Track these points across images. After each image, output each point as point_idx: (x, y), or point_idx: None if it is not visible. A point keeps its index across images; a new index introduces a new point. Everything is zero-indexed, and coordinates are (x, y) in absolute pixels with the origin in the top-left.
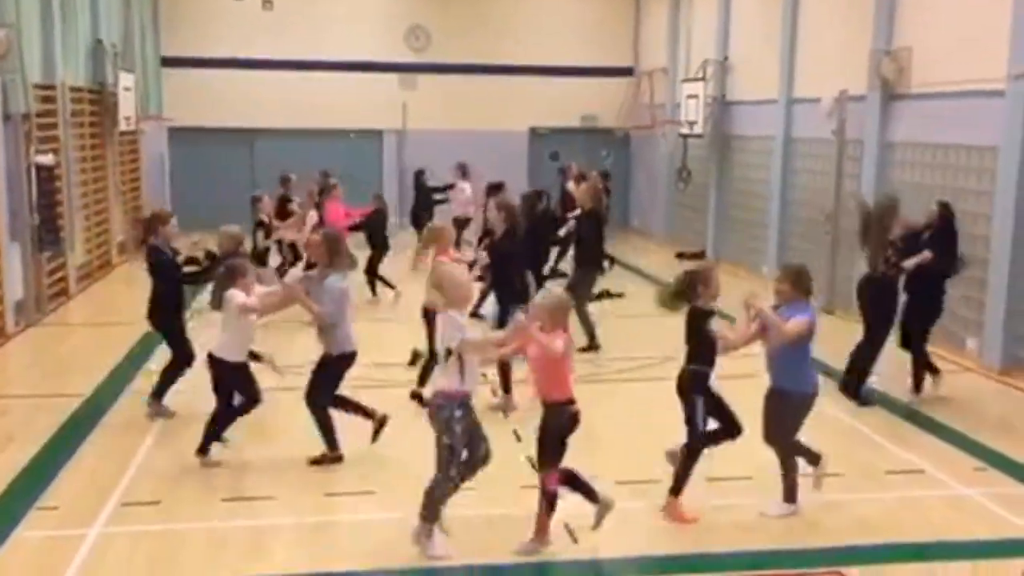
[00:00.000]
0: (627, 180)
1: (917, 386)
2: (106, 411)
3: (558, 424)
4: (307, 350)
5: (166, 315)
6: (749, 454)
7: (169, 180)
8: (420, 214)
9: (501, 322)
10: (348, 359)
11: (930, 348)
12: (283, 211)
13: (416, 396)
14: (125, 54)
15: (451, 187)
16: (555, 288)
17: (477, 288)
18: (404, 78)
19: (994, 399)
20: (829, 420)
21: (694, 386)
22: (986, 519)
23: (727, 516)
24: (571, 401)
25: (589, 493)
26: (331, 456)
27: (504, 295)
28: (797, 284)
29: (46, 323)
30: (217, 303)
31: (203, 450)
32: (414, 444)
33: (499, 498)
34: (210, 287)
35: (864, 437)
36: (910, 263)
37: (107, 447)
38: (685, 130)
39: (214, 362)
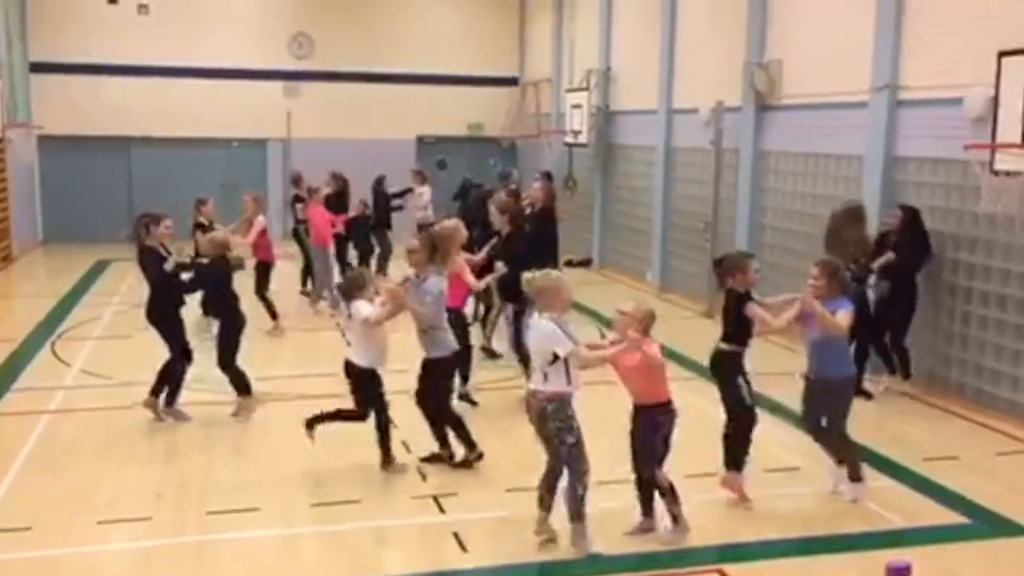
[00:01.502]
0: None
1: (905, 370)
2: None
3: (666, 422)
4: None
5: (161, 313)
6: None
7: (40, 191)
8: (379, 221)
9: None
10: (452, 360)
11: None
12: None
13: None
14: None
15: (409, 192)
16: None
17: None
18: (288, 86)
19: (865, 401)
20: (705, 418)
21: (730, 366)
22: (858, 513)
23: (618, 519)
24: (671, 402)
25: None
26: (475, 456)
27: (517, 296)
28: (834, 279)
29: None
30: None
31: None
32: (299, 458)
33: (391, 510)
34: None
35: None
36: (877, 263)
37: None
38: (570, 139)
39: (348, 366)
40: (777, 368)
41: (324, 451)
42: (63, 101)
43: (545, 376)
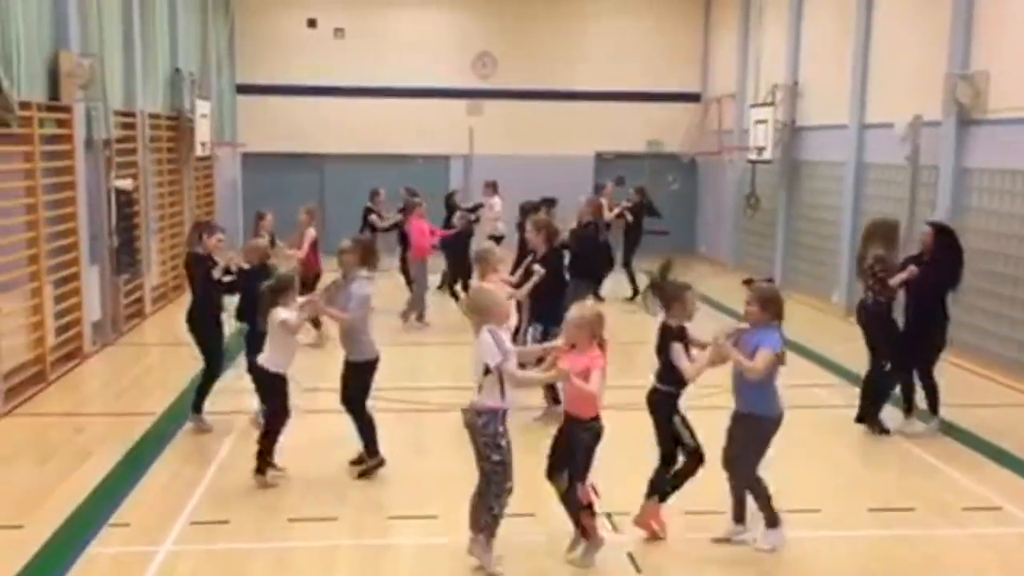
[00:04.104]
0: (694, 206)
1: (933, 407)
2: (178, 430)
3: (587, 439)
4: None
5: (201, 323)
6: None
7: (242, 204)
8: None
9: (544, 338)
10: (372, 365)
11: (1008, 378)
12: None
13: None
14: (202, 82)
15: (481, 206)
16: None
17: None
18: (471, 104)
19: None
20: (895, 449)
21: (663, 407)
22: None
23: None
24: (596, 418)
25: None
26: (373, 463)
27: (546, 311)
28: (766, 308)
29: (122, 343)
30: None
31: (259, 470)
32: (472, 467)
33: (563, 524)
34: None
35: (932, 468)
36: (896, 280)
37: (178, 465)
38: (753, 156)
39: (254, 369)
40: (970, 399)
41: None
42: (264, 120)
43: (479, 388)
